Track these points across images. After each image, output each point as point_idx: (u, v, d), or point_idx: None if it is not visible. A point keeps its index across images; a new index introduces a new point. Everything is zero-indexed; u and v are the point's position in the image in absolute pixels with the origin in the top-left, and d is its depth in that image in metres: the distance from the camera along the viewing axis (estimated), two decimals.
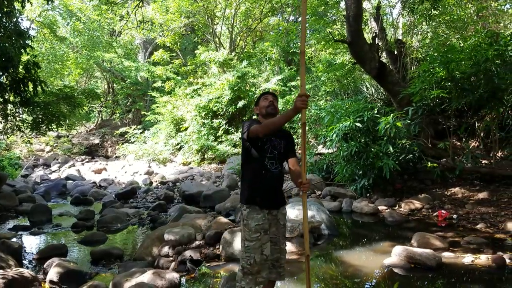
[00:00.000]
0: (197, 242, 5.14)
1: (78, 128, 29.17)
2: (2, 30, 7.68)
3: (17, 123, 8.64)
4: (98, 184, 12.66)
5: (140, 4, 11.93)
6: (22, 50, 7.64)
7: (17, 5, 8.37)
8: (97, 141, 26.11)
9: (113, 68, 25.58)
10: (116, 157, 21.61)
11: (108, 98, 29.28)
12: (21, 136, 11.36)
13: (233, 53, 18.07)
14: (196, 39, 22.33)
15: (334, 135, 8.55)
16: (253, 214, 2.81)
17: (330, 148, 9.90)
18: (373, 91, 13.29)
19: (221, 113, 16.32)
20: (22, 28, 8.11)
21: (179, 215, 6.86)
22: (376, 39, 10.27)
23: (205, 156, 16.18)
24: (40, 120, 8.51)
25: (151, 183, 12.97)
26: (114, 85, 28.06)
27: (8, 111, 8.34)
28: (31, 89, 7.79)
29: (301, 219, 5.93)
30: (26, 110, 8.37)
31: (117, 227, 7.08)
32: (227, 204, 8.10)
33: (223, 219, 5.95)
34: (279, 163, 2.93)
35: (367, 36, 11.45)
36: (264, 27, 19.83)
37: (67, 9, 20.57)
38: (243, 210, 2.88)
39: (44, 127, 8.58)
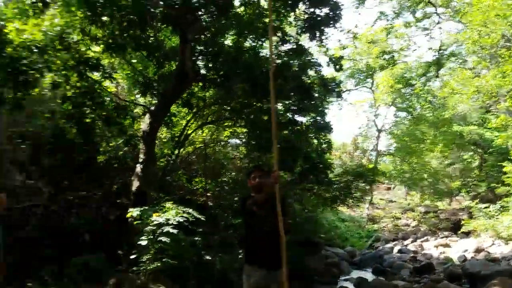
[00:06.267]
0: None
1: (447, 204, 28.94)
2: (312, 127, 10.22)
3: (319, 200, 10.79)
4: (417, 258, 12.79)
5: None
6: (316, 141, 9.87)
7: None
8: (465, 216, 25.09)
9: (481, 141, 24.56)
10: (462, 233, 20.08)
11: (483, 172, 27.82)
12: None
13: None
14: None
15: None
16: (252, 272, 3.42)
17: None
18: None
19: None
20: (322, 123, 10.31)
21: None
22: None
23: None
24: (336, 196, 10.26)
25: (464, 260, 11.79)
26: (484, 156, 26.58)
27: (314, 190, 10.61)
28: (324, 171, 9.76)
29: None
30: (324, 188, 10.36)
31: None
32: None
33: None
34: (270, 225, 3.38)
35: None
36: None
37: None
38: (245, 267, 3.51)
39: (339, 202, 10.24)
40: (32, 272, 5.59)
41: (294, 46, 8.67)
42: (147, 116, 8.27)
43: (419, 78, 21.57)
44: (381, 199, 30.32)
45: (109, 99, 8.41)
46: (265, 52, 9.48)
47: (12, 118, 8.43)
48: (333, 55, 9.44)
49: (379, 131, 26.25)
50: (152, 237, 5.83)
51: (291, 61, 8.85)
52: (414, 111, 23.67)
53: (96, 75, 8.31)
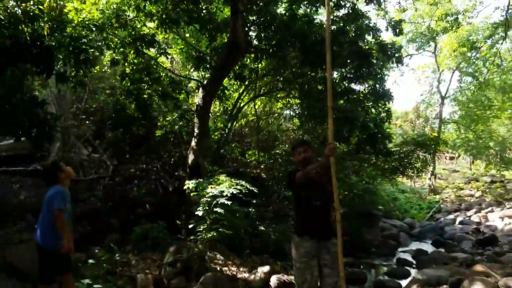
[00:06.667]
0: None
1: None
2: (370, 96, 9.82)
3: (377, 171, 10.41)
4: (480, 230, 12.15)
5: None
6: (374, 110, 9.50)
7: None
8: None
9: None
10: None
11: None
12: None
13: None
14: None
15: None
16: (302, 242, 3.43)
17: None
18: None
19: None
20: (381, 91, 9.84)
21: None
22: None
23: None
24: (396, 167, 9.86)
25: None
26: None
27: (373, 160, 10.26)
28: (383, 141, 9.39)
29: None
30: (382, 159, 9.96)
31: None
32: None
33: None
34: (321, 197, 3.40)
35: None
36: None
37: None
38: (294, 238, 3.53)
39: (399, 173, 9.84)
40: (99, 241, 6.00)
41: (350, 11, 8.25)
42: (201, 90, 8.31)
43: (485, 41, 19.87)
44: (444, 169, 29.03)
45: (164, 74, 8.57)
46: (319, 18, 9.10)
47: (76, 95, 8.93)
48: (392, 18, 8.90)
49: (443, 97, 24.71)
50: (207, 208, 5.98)
51: (346, 27, 8.45)
52: (480, 76, 21.96)
53: (151, 52, 8.50)
